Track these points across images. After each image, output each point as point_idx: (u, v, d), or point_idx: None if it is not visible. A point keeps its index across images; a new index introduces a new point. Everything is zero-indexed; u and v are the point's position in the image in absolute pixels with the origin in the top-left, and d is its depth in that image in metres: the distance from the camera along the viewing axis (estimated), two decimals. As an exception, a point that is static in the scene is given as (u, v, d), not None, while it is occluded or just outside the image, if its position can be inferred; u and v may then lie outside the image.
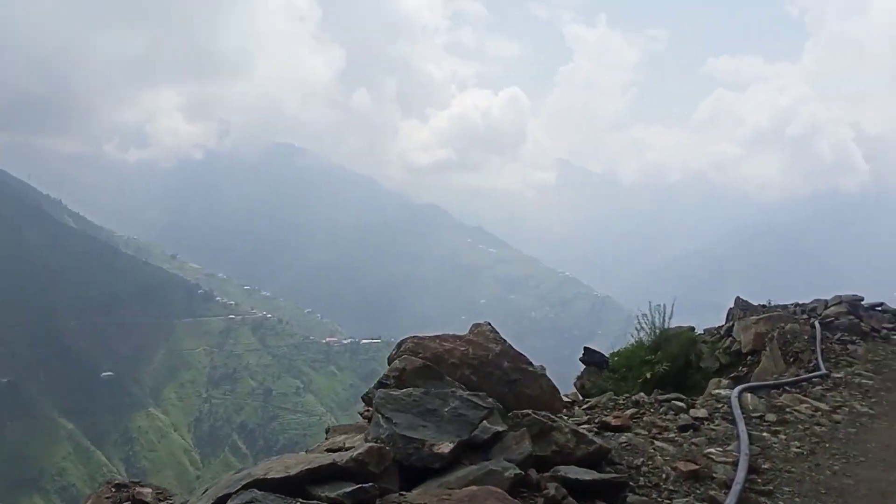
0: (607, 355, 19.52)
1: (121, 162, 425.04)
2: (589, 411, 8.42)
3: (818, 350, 13.12)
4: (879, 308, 18.54)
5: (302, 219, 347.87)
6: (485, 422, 5.22)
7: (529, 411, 5.74)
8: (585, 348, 19.39)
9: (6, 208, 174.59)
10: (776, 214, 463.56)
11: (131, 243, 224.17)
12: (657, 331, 18.80)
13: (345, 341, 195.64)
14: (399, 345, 6.45)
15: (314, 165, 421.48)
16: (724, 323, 18.42)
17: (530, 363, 6.52)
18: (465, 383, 5.91)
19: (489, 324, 6.78)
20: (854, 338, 15.08)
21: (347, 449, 4.91)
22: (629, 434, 7.03)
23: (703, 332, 19.22)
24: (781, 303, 18.76)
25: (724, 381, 16.39)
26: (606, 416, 7.75)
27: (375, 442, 4.89)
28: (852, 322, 15.34)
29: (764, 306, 18.05)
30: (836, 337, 14.44)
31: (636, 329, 19.23)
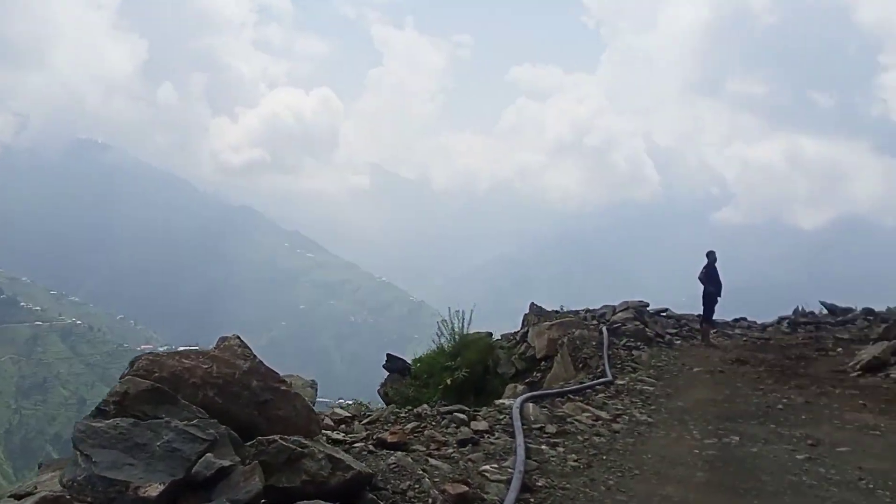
0: (409, 361, 18.93)
1: None
2: (369, 426, 7.77)
3: (605, 356, 13.28)
4: (664, 314, 19.40)
5: (110, 219, 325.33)
6: (209, 455, 4.33)
7: (277, 437, 4.89)
8: (388, 355, 18.79)
9: None
10: (576, 223, 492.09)
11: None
12: (457, 337, 18.48)
13: (160, 348, 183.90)
14: (132, 363, 5.40)
15: (121, 163, 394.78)
16: (520, 328, 18.44)
17: (283, 381, 5.65)
18: (208, 406, 4.96)
19: (238, 337, 5.91)
20: (639, 343, 15.57)
21: (31, 495, 3.86)
22: (402, 453, 6.39)
23: (500, 337, 19.07)
24: (575, 308, 19.10)
25: (520, 387, 16.26)
26: (384, 432, 7.09)
27: (71, 485, 3.87)
28: (638, 328, 15.85)
29: (557, 312, 18.37)
30: (623, 343, 14.80)
31: (437, 335, 18.82)
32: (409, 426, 7.59)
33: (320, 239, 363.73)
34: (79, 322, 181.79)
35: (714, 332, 19.39)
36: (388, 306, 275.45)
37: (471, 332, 19.35)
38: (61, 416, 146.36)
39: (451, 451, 6.83)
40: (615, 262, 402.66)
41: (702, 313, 18.76)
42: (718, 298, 18.40)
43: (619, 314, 17.72)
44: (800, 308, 24.83)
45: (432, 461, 6.35)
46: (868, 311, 23.25)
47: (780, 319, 22.53)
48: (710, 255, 18.50)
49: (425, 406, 8.82)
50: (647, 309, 19.01)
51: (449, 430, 7.54)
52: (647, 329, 16.88)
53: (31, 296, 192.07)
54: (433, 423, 7.83)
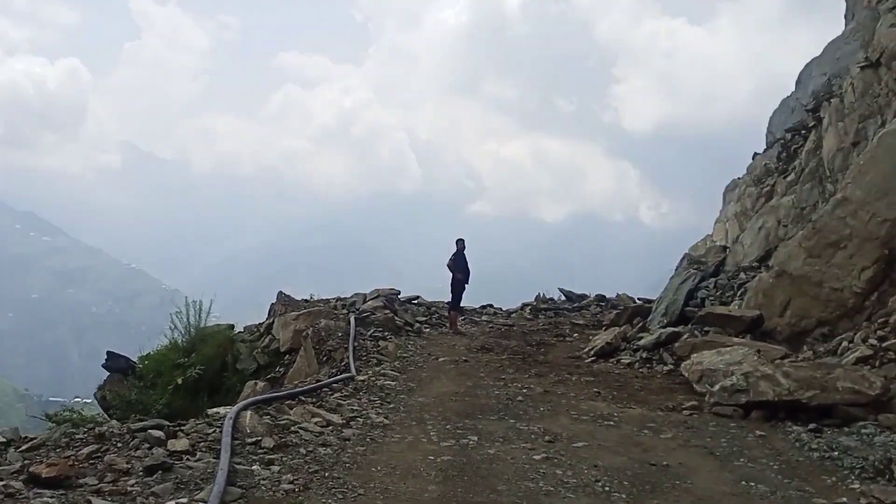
0: (135, 359, 16.71)
1: None
2: (30, 454, 6.04)
3: (350, 348, 12.28)
4: (415, 301, 18.74)
5: None
6: None
7: None
8: (109, 353, 16.37)
9: None
10: (342, 211, 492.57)
11: None
12: (192, 330, 16.59)
13: None
14: None
15: None
16: (265, 319, 17.10)
17: None
18: None
19: None
20: (387, 333, 14.72)
21: None
22: (61, 491, 4.88)
23: (243, 329, 17.52)
24: (326, 297, 17.97)
25: (261, 384, 15.02)
26: (42, 463, 5.46)
27: None
28: (387, 317, 15.05)
29: (307, 301, 17.16)
30: (370, 333, 13.85)
31: (170, 328, 16.72)
32: (85, 451, 6.00)
33: (60, 222, 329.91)
34: None
35: (462, 320, 19.30)
36: (138, 295, 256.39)
37: (214, 323, 17.61)
38: None
39: (132, 482, 5.36)
40: (378, 250, 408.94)
41: (450, 300, 18.53)
42: (466, 286, 18.16)
43: (370, 302, 16.92)
44: (541, 294, 25.83)
45: (99, 501, 4.87)
46: (600, 298, 24.68)
47: (524, 306, 23.15)
48: (459, 243, 18.19)
49: (115, 423, 7.22)
50: (399, 297, 18.43)
51: (138, 453, 6.04)
52: (396, 318, 16.23)
53: None
54: (119, 446, 6.28)
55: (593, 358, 13.96)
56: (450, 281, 18.03)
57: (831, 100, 15.46)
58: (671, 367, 12.71)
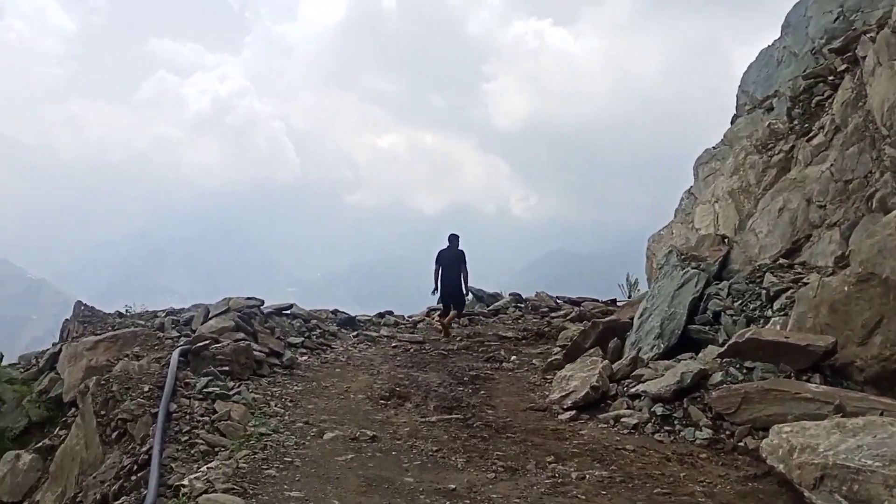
0: None
1: None
2: None
3: (160, 421, 6.04)
4: (287, 312, 12.37)
5: None
6: None
7: None
8: None
9: None
10: (218, 200, 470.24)
11: None
12: None
13: None
14: None
15: None
16: (51, 346, 10.15)
17: None
18: None
19: None
20: (236, 378, 8.32)
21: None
22: None
23: (18, 360, 10.32)
24: (153, 309, 11.44)
25: (26, 457, 6.82)
26: None
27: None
28: (239, 346, 8.77)
29: (121, 315, 10.44)
30: (204, 384, 7.58)
31: None
32: None
33: None
34: None
35: (355, 336, 13.44)
36: (1, 285, 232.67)
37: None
38: None
39: None
40: (255, 239, 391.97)
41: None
42: (462, 294, 14.54)
43: (214, 321, 10.58)
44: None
45: None
46: (517, 298, 19.35)
47: (430, 311, 17.45)
48: (451, 240, 14.39)
49: None
50: (262, 308, 12.15)
51: None
52: (255, 345, 10.04)
53: None
54: None
55: (572, 412, 8.51)
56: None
57: (872, 33, 10.68)
58: (709, 434, 7.45)
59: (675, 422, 7.89)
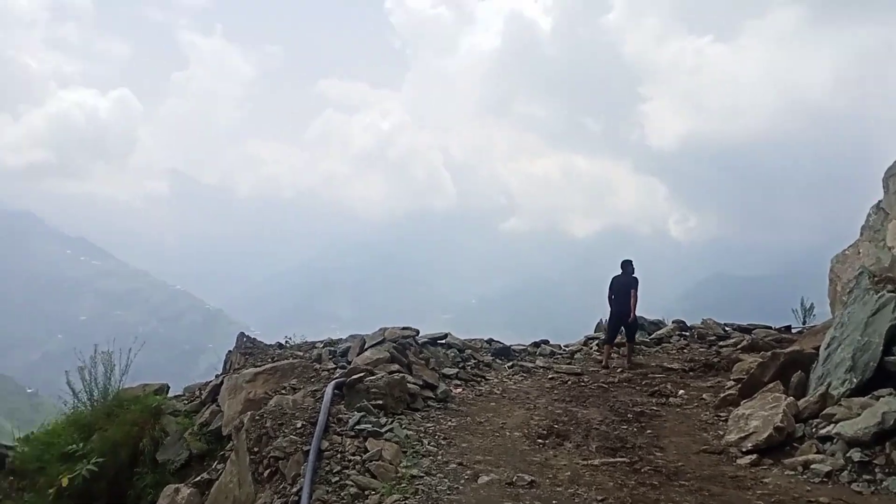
0: (13, 443, 9.58)
1: None
2: None
3: (311, 461, 5.91)
4: (442, 341, 12.15)
5: None
6: None
7: None
8: None
9: None
10: (378, 230, 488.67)
11: None
12: (96, 395, 9.27)
13: None
14: None
15: None
16: (220, 374, 10.54)
17: None
18: None
19: None
20: (390, 412, 8.16)
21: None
22: None
23: (182, 392, 10.57)
24: (311, 340, 11.62)
25: (185, 491, 6.59)
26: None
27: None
28: (393, 379, 8.66)
29: (281, 346, 10.64)
30: (357, 420, 7.46)
31: (72, 395, 9.46)
32: None
33: (110, 246, 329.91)
34: None
35: (510, 367, 12.99)
36: (182, 315, 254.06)
37: (140, 384, 11.45)
38: None
39: None
40: (414, 266, 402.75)
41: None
42: (629, 319, 13.72)
43: (369, 352, 10.51)
44: (602, 322, 19.32)
45: None
46: (681, 326, 18.12)
47: (588, 341, 16.68)
48: (625, 266, 13.95)
49: None
50: (417, 338, 12.00)
51: None
52: (409, 377, 9.85)
53: None
54: None
55: (753, 456, 7.57)
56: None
57: None
58: (926, 487, 6.32)
59: (877, 470, 6.78)
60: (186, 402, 10.75)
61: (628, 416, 9.65)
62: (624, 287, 13.84)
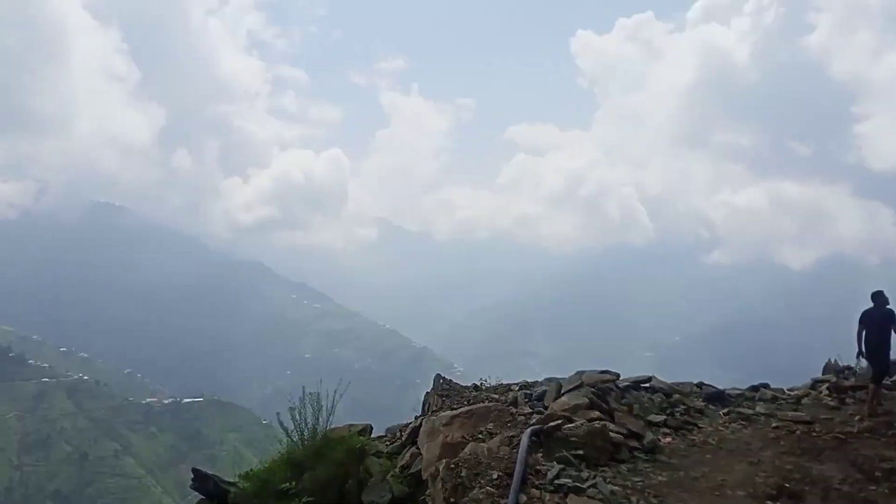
0: (235, 479, 10.01)
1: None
2: None
3: None
4: (646, 385, 11.17)
5: (123, 278, 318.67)
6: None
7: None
8: (195, 472, 9.82)
9: None
10: (572, 267, 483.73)
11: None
12: (306, 434, 9.37)
13: (166, 401, 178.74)
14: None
15: (135, 225, 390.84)
16: (419, 415, 10.37)
17: None
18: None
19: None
20: (591, 465, 7.42)
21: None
22: None
23: (385, 433, 10.50)
24: (507, 382, 11.25)
25: None
26: None
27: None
28: (594, 428, 7.89)
29: (476, 387, 10.30)
30: (556, 473, 6.81)
31: (284, 432, 9.72)
32: None
33: (327, 290, 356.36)
34: (85, 377, 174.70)
35: (725, 413, 11.62)
36: (392, 353, 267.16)
37: (346, 424, 11.64)
38: (62, 472, 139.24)
39: None
40: (612, 302, 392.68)
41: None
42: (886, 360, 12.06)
43: (566, 397, 9.84)
44: (832, 362, 16.99)
45: None
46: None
47: (816, 383, 14.66)
48: (876, 299, 12.21)
49: None
50: (617, 383, 11.10)
51: None
52: (611, 425, 9.02)
53: (41, 353, 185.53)
54: None
55: None
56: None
57: None
58: None
59: None
60: (388, 443, 10.71)
61: (876, 474, 8.12)
62: (879, 322, 11.95)
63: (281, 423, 10.81)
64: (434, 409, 10.74)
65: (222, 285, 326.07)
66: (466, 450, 7.83)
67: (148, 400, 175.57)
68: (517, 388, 11.51)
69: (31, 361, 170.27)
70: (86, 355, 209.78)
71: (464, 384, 11.91)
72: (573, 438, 8.06)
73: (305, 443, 10.53)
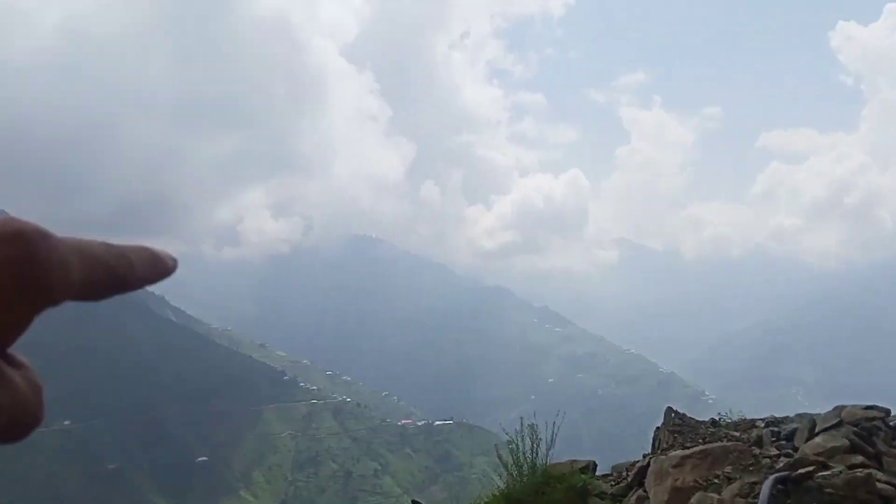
0: None
1: (216, 259, 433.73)
2: None
3: None
4: None
5: (380, 305, 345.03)
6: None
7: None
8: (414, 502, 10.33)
9: (112, 304, 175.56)
10: (838, 284, 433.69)
11: (225, 334, 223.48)
12: (525, 470, 9.49)
13: (419, 423, 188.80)
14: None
15: (390, 255, 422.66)
16: (648, 454, 9.74)
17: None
18: None
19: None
20: None
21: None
22: None
23: (610, 471, 10.12)
24: (751, 417, 10.16)
25: None
26: None
27: None
28: (855, 477, 6.67)
29: (715, 423, 9.45)
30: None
31: (502, 466, 9.91)
32: None
33: (568, 314, 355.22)
34: (348, 399, 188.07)
35: None
36: (637, 379, 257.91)
37: (568, 460, 11.16)
38: (330, 488, 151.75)
39: None
40: (884, 324, 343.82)
41: None
42: None
43: (820, 437, 8.38)
44: None
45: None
46: None
47: None
48: None
49: None
50: (888, 420, 9.28)
51: None
52: (879, 473, 7.50)
53: (310, 377, 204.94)
54: None
55: None
56: None
57: None
58: None
59: None
60: (613, 483, 9.96)
61: None
62: None
63: (499, 456, 10.55)
64: (664, 446, 9.82)
65: (469, 310, 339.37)
66: (693, 499, 6.93)
67: (402, 421, 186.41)
68: (762, 424, 10.14)
69: (301, 384, 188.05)
70: (348, 378, 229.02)
71: (700, 419, 10.78)
72: (828, 489, 6.79)
73: (525, 479, 10.14)
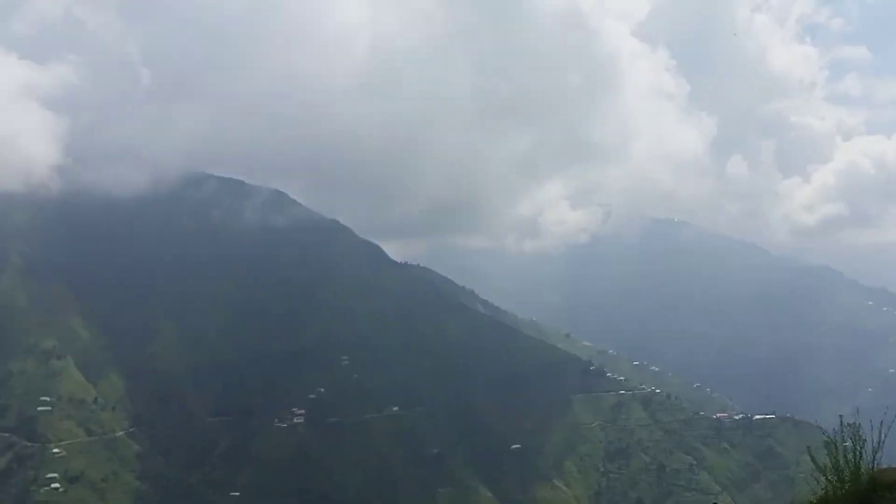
0: None
1: (518, 252, 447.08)
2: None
3: None
4: None
5: (685, 292, 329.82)
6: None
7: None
8: None
9: (433, 303, 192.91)
10: None
11: (531, 325, 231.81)
12: (846, 476, 9.66)
13: (736, 417, 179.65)
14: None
15: (694, 238, 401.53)
16: None
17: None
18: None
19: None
20: None
21: None
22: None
23: None
24: None
25: None
26: None
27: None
28: None
29: None
30: None
31: (818, 469, 10.02)
32: None
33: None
34: (658, 390, 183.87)
35: None
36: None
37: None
38: (642, 481, 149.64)
39: None
40: None
41: None
42: None
43: None
44: None
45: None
46: None
47: None
48: None
49: None
50: None
51: None
52: None
53: (616, 367, 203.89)
54: None
55: None
56: None
57: None
58: None
59: None
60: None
61: None
62: None
63: (813, 459, 9.77)
64: None
65: (787, 293, 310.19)
66: None
67: (718, 415, 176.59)
68: None
69: (608, 374, 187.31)
70: (656, 369, 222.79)
71: None
72: None
73: (847, 486, 9.30)
